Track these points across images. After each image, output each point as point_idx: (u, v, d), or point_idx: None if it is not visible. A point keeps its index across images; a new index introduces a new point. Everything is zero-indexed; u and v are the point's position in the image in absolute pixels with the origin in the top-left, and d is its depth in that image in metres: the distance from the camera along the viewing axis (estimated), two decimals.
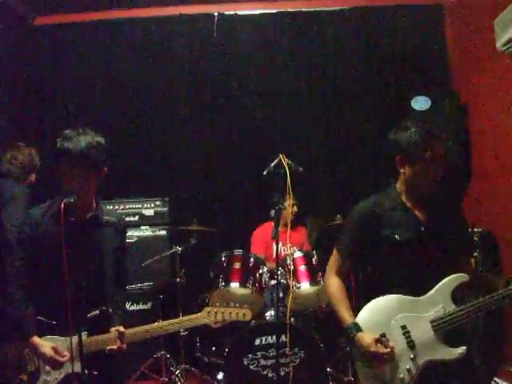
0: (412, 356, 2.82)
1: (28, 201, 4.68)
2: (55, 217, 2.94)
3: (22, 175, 4.83)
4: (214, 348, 5.78)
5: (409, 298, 2.90)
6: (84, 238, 3.06)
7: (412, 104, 6.06)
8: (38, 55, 6.55)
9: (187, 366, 5.60)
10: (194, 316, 3.15)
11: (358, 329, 2.88)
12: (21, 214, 4.49)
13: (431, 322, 2.84)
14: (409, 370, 2.80)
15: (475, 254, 5.30)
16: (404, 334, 2.85)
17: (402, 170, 3.00)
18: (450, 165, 5.61)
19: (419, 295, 2.90)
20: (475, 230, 5.30)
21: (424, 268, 2.92)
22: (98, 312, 3.05)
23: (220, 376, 5.24)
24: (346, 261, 3.13)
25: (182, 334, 5.52)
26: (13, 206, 4.52)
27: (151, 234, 6.14)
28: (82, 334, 2.91)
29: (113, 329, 3.07)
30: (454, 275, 2.89)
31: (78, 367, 2.88)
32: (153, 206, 6.25)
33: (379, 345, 2.80)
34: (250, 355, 4.72)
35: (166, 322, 3.16)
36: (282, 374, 4.62)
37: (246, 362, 4.73)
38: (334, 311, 3.07)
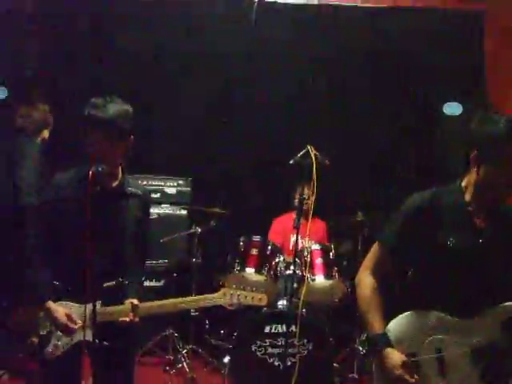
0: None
1: (41, 157, 4.71)
2: (82, 184, 2.89)
3: (35, 132, 4.85)
4: (222, 331, 5.82)
5: (451, 318, 2.55)
6: (108, 207, 3.06)
7: (444, 109, 6.03)
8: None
9: (194, 347, 5.63)
10: (210, 296, 3.11)
11: (388, 342, 2.55)
12: (33, 171, 4.53)
13: (472, 351, 2.49)
14: None
15: None
16: (437, 358, 2.51)
17: (474, 168, 2.54)
18: None
19: (463, 317, 2.54)
20: None
21: (474, 286, 2.54)
22: (114, 283, 3.03)
23: (226, 360, 5.26)
24: (388, 257, 2.70)
25: (192, 313, 5.54)
26: (25, 163, 4.55)
27: (171, 212, 6.17)
28: (97, 303, 2.90)
29: (127, 301, 3.05)
30: (509, 304, 2.53)
31: (89, 335, 2.86)
32: (176, 184, 6.28)
33: (406, 370, 2.46)
34: (259, 342, 4.72)
35: (180, 299, 3.12)
36: (289, 363, 4.62)
37: (253, 349, 4.73)
38: (361, 314, 2.69)
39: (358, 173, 6.57)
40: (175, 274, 5.81)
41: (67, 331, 2.96)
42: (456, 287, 2.54)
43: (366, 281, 2.70)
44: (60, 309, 2.97)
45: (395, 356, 2.48)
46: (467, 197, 2.60)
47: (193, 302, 3.14)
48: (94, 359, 3.00)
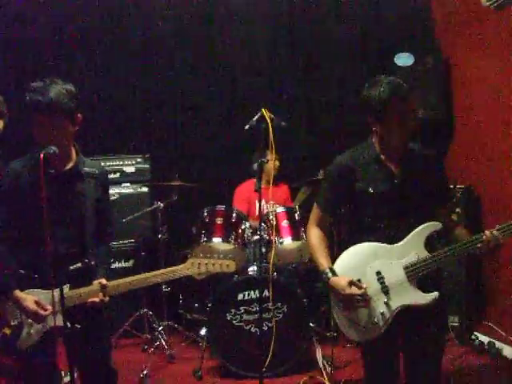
0: (386, 301, 2.90)
1: None
2: (35, 169, 2.84)
3: None
4: (196, 305, 5.81)
5: (384, 245, 2.96)
6: (64, 189, 3.02)
7: (395, 60, 6.00)
8: None
9: (170, 323, 5.61)
10: (178, 267, 3.11)
11: (334, 273, 2.95)
12: None
13: (405, 268, 2.91)
14: (383, 315, 2.89)
15: (457, 210, 5.34)
16: (378, 279, 2.93)
17: (373, 128, 3.01)
18: (432, 120, 5.69)
19: (393, 243, 2.96)
20: (457, 186, 5.33)
21: (398, 219, 2.97)
22: (80, 265, 3.02)
23: (203, 332, 5.28)
24: (326, 215, 3.17)
25: (164, 290, 5.51)
26: None
27: (132, 191, 6.08)
28: (64, 286, 2.89)
29: (95, 281, 3.03)
30: (427, 223, 2.94)
31: (60, 320, 2.85)
32: (134, 162, 6.18)
33: (353, 287, 2.86)
34: (233, 310, 4.73)
35: (149, 274, 3.11)
36: (265, 328, 4.65)
37: (229, 317, 4.74)
38: (313, 260, 3.14)
39: (319, 131, 6.56)
40: (143, 253, 5.75)
41: (38, 319, 2.91)
42: (384, 222, 2.97)
43: (311, 233, 3.17)
44: (28, 297, 2.91)
45: (342, 280, 2.90)
46: (377, 149, 3.03)
47: (161, 275, 3.12)
48: (68, 345, 2.91)
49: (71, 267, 2.99)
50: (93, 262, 3.06)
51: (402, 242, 2.94)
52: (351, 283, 2.87)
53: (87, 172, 3.12)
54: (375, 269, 2.94)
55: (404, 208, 2.97)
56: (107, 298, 3.00)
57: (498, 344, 4.89)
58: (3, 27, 6.02)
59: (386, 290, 2.91)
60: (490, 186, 5.31)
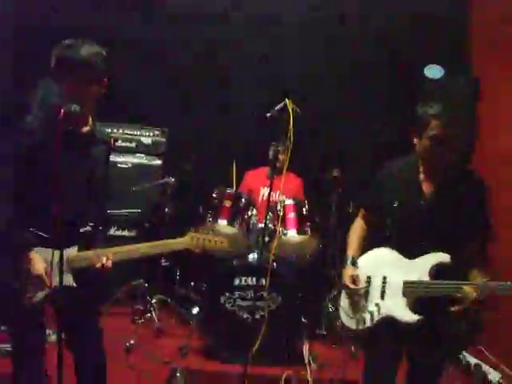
0: (378, 303, 3.08)
1: None
2: (51, 124, 2.77)
3: None
4: (192, 283, 5.82)
5: (402, 257, 3.08)
6: (79, 151, 3.01)
7: (425, 71, 5.97)
8: None
9: (163, 297, 5.63)
10: (178, 240, 3.15)
11: (353, 263, 3.23)
12: None
13: (404, 283, 3.02)
14: (371, 313, 3.10)
15: None
16: (382, 283, 3.11)
17: (414, 142, 3.02)
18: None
19: (409, 257, 3.06)
20: None
21: (420, 235, 3.02)
22: (89, 228, 3.05)
23: (195, 311, 5.29)
24: (365, 213, 3.41)
25: (162, 264, 5.52)
26: None
27: (146, 162, 6.12)
28: (72, 248, 2.96)
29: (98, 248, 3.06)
30: (437, 253, 2.97)
31: (66, 280, 2.88)
32: (151, 134, 6.22)
33: (352, 279, 3.14)
34: (228, 294, 4.74)
35: (149, 244, 3.14)
36: (257, 316, 4.64)
37: (222, 301, 4.75)
38: (347, 242, 3.39)
39: (339, 131, 6.54)
40: (147, 224, 5.77)
41: (39, 285, 2.93)
42: (406, 235, 3.06)
43: (357, 222, 3.42)
44: (41, 263, 2.93)
45: (349, 270, 3.19)
46: (420, 165, 3.06)
47: (161, 245, 3.17)
48: (58, 308, 2.97)
49: (81, 230, 3.02)
50: (100, 227, 3.10)
51: (416, 259, 3.02)
52: (353, 277, 3.14)
53: (100, 138, 3.14)
54: (384, 273, 3.11)
55: (428, 227, 2.98)
56: (110, 264, 3.00)
57: (484, 367, 4.87)
58: None
59: (382, 295, 3.09)
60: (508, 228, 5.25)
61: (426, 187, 3.03)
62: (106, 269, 2.99)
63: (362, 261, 3.25)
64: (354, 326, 3.17)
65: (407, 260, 3.05)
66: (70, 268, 2.94)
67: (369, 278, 3.15)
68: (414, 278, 2.99)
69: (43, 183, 2.85)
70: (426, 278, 2.96)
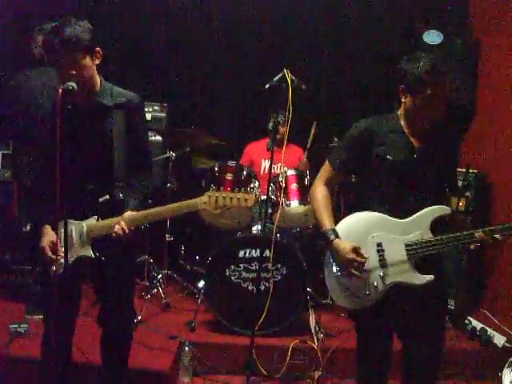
0: (381, 274, 2.90)
1: None
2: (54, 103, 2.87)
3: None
4: (197, 257, 5.84)
5: (390, 218, 2.94)
6: (88, 124, 3.06)
7: (424, 37, 5.91)
8: None
9: (169, 272, 5.65)
10: (194, 200, 2.98)
11: (336, 235, 2.94)
12: None
13: (406, 245, 2.90)
14: (376, 287, 2.90)
15: (467, 194, 5.31)
16: (378, 251, 2.93)
17: (403, 100, 2.98)
18: (455, 102, 5.61)
19: (401, 218, 2.94)
20: (470, 170, 5.26)
21: (410, 193, 2.96)
22: (108, 197, 3.05)
23: (201, 284, 5.30)
24: (337, 174, 3.14)
25: (167, 239, 5.53)
26: None
27: None
28: (92, 218, 3.04)
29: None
30: (439, 206, 2.94)
31: (86, 251, 3.03)
32: (151, 110, 6.17)
33: (357, 253, 2.88)
34: (233, 266, 4.75)
35: (164, 207, 3.03)
36: (263, 288, 4.67)
37: (227, 273, 4.76)
38: (316, 217, 3.11)
39: (338, 98, 6.53)
40: (150, 201, 5.75)
41: (44, 258, 3.04)
42: (396, 193, 2.97)
43: (318, 189, 3.12)
44: (49, 236, 3.04)
45: (346, 244, 2.90)
46: (403, 122, 3.02)
47: (178, 207, 3.03)
48: (93, 275, 3.18)
49: (100, 199, 3.04)
50: (121, 195, 3.06)
51: (409, 219, 2.92)
52: (355, 249, 2.87)
53: (115, 103, 3.10)
54: (377, 240, 2.93)
55: (418, 183, 2.96)
56: (127, 231, 2.97)
57: (489, 331, 4.89)
58: None
59: (383, 264, 2.91)
60: (505, 175, 5.26)
61: (414, 142, 2.99)
62: (125, 236, 2.98)
63: (342, 231, 2.97)
64: (355, 305, 2.97)
65: (397, 220, 2.93)
66: (89, 238, 3.02)
67: (358, 248, 2.91)
68: (413, 237, 2.89)
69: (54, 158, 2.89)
70: (428, 235, 2.89)
